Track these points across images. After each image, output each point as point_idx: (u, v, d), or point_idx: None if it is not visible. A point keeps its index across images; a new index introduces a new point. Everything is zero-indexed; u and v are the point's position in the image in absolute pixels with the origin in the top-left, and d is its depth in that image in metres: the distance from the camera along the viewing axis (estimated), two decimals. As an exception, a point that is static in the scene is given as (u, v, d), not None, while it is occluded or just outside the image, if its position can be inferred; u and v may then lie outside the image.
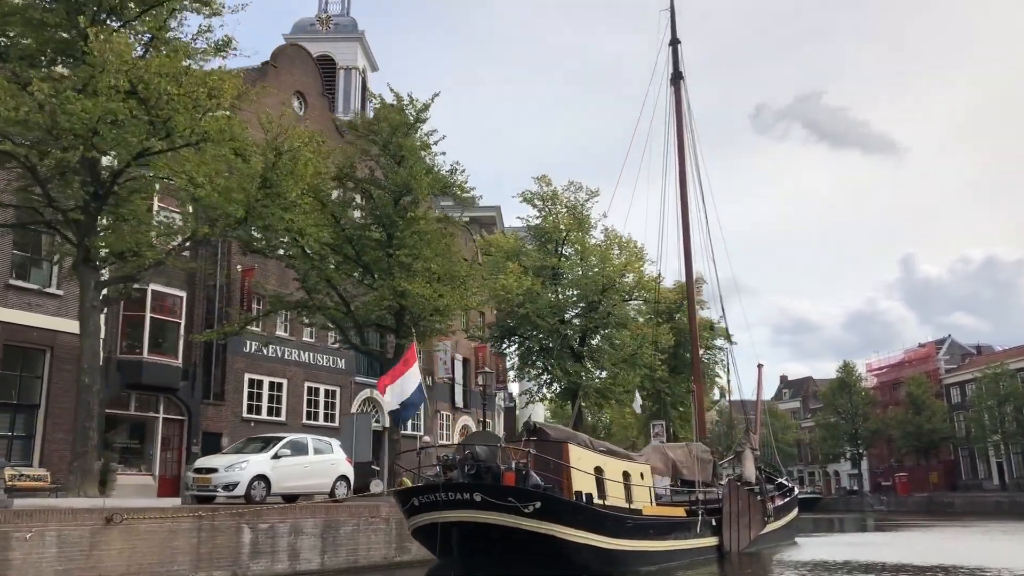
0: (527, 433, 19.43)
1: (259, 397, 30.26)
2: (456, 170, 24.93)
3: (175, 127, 15.40)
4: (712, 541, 22.84)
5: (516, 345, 34.03)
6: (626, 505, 19.20)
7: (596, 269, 31.64)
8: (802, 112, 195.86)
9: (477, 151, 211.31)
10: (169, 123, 15.52)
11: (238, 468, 18.70)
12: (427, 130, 24.01)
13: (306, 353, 32.36)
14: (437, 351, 39.14)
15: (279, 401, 31.14)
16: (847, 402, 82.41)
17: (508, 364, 36.58)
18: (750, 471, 29.74)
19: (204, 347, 28.42)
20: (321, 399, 32.77)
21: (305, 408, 32.06)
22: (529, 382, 35.87)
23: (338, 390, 33.74)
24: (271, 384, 30.89)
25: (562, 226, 33.51)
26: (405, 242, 22.87)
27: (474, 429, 42.78)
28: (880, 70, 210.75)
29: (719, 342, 44.67)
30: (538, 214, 34.20)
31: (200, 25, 18.59)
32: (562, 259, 32.60)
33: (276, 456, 19.55)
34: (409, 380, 16.47)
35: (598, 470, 19.23)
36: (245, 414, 29.55)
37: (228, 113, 17.03)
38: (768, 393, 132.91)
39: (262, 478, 19.05)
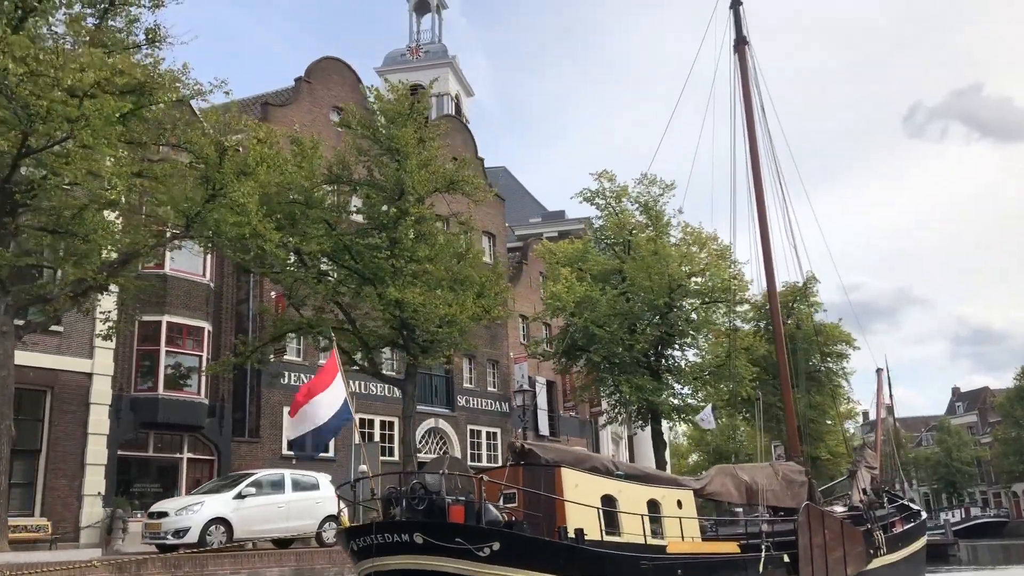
0: (513, 456, 16.09)
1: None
2: (466, 163, 22.04)
3: (46, 115, 13.21)
4: (786, 582, 18.55)
5: (584, 361, 30.43)
6: (646, 542, 15.40)
7: (662, 270, 27.73)
8: (960, 108, 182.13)
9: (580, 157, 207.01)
10: (45, 113, 13.36)
11: (190, 511, 16.28)
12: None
13: (356, 382, 29.96)
14: (515, 375, 36.13)
15: (327, 435, 28.81)
16: (1030, 412, 73.26)
17: (578, 383, 32.96)
18: (856, 494, 25.01)
19: (234, 381, 26.57)
20: (376, 432, 30.26)
21: (377, 443, 29.61)
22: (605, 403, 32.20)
23: (396, 421, 31.16)
24: (314, 417, 28.61)
25: (627, 225, 29.85)
26: (403, 246, 20.10)
27: (566, 458, 39.28)
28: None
29: (842, 348, 39.32)
30: (600, 214, 30.72)
31: (130, 14, 16.73)
32: (628, 262, 28.84)
33: (240, 496, 17.02)
34: (328, 398, 13.53)
35: (608, 500, 15.57)
36: (285, 451, 27.33)
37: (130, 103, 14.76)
38: (939, 407, 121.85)
39: (221, 521, 16.52)
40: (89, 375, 22.92)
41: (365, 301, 19.95)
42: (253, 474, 18.07)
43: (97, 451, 22.66)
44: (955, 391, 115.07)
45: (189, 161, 17.40)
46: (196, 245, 18.46)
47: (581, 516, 14.48)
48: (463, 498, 13.02)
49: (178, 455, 24.93)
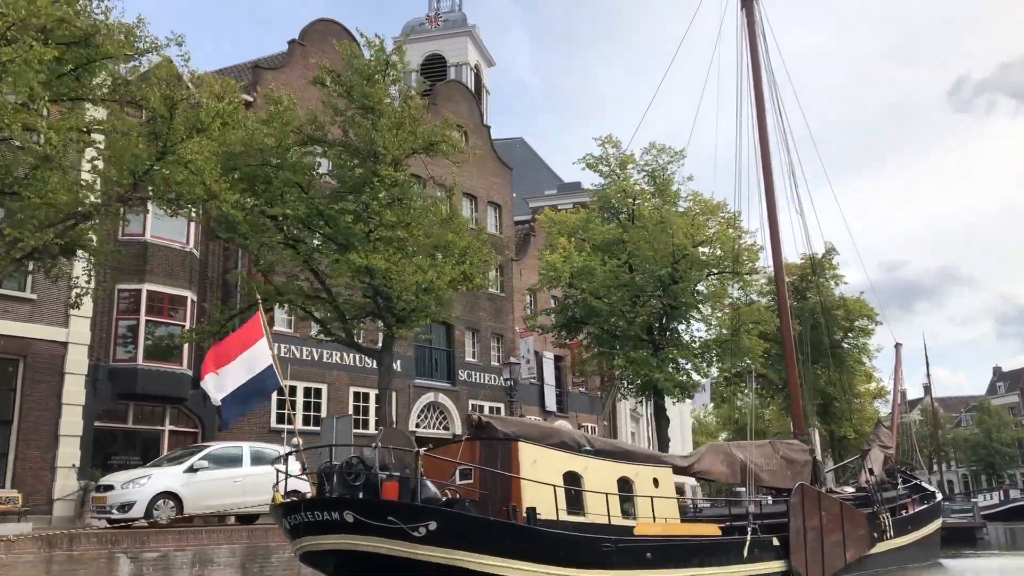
0: (469, 429, 15.09)
1: (293, 405, 27.28)
2: (449, 123, 20.96)
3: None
4: (775, 567, 17.35)
5: (585, 334, 29.23)
6: (614, 522, 14.31)
7: (666, 240, 26.36)
8: (1008, 81, 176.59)
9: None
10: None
11: (136, 485, 15.52)
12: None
13: (351, 356, 29.14)
14: (519, 348, 35.06)
15: (319, 409, 28.11)
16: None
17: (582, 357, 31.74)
18: (877, 473, 23.69)
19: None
20: (372, 405, 29.42)
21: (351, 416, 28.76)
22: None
23: (393, 395, 30.26)
24: (307, 391, 27.92)
25: (631, 193, 28.50)
26: (372, 210, 19.08)
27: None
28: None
29: (864, 323, 37.61)
30: (603, 182, 29.39)
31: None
32: (631, 231, 27.49)
33: (192, 469, 16.22)
34: (250, 362, 12.56)
35: (572, 477, 14.52)
36: (275, 424, 26.64)
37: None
38: (979, 387, 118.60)
39: (171, 495, 15.73)
40: (64, 344, 22.32)
41: (336, 268, 18.96)
42: (208, 447, 17.26)
43: (72, 422, 22.07)
44: (996, 371, 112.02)
45: (140, 119, 16.53)
46: (161, 209, 17.53)
47: (537, 494, 13.45)
48: (397, 474, 12.05)
49: (159, 427, 24.32)
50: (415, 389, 31.02)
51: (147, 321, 23.84)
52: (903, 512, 22.57)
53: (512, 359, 30.60)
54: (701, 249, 27.30)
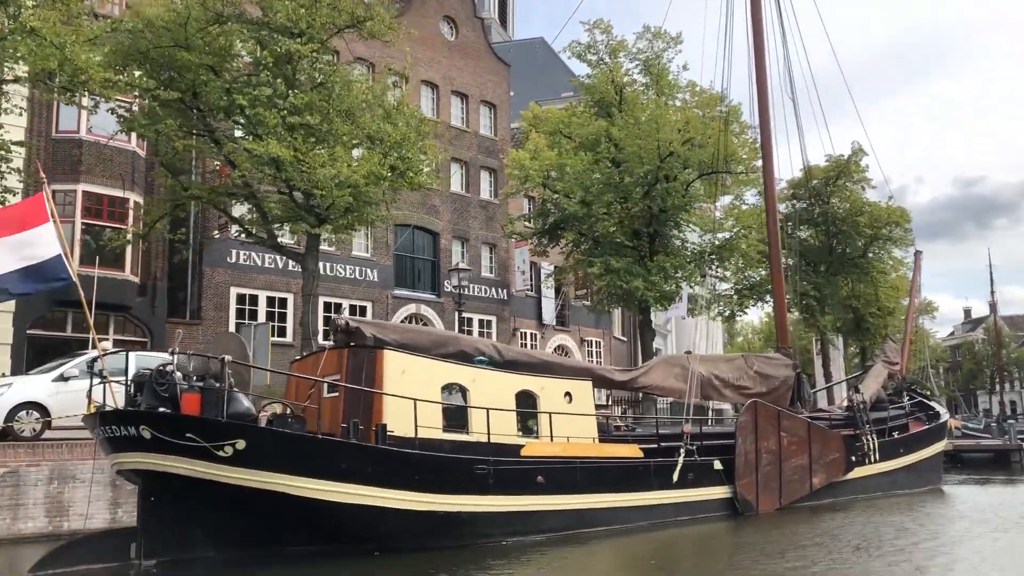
0: (335, 335, 13.29)
1: (254, 316, 25.91)
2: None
3: None
4: (717, 493, 15.40)
5: (567, 243, 26.96)
6: (500, 442, 12.45)
7: (652, 133, 23.78)
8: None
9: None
10: None
11: (-8, 395, 14.14)
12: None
13: (321, 263, 27.38)
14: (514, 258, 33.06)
15: (285, 319, 26.67)
16: None
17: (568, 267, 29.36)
18: (871, 391, 21.42)
19: (171, 259, 24.46)
20: (346, 316, 27.80)
21: (322, 328, 27.29)
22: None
23: (369, 306, 28.74)
24: (271, 300, 26.45)
25: (618, 82, 25.84)
26: (279, 93, 17.07)
27: (576, 352, 36.36)
28: None
29: (892, 231, 34.42)
30: (591, 72, 26.75)
31: None
32: (618, 124, 24.90)
33: (62, 378, 14.80)
34: (23, 247, 10.74)
35: (452, 389, 12.68)
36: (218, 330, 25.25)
37: None
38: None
39: (35, 406, 14.37)
40: (-11, 247, 21.05)
41: (237, 158, 17.09)
42: (84, 354, 15.82)
43: (1, 329, 20.97)
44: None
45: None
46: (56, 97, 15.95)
47: (402, 409, 11.65)
48: (200, 384, 10.34)
49: (103, 336, 23.08)
50: (394, 300, 29.33)
51: (84, 224, 22.43)
52: (893, 435, 20.30)
53: (522, 270, 28.22)
54: (693, 143, 24.57)
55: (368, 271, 28.82)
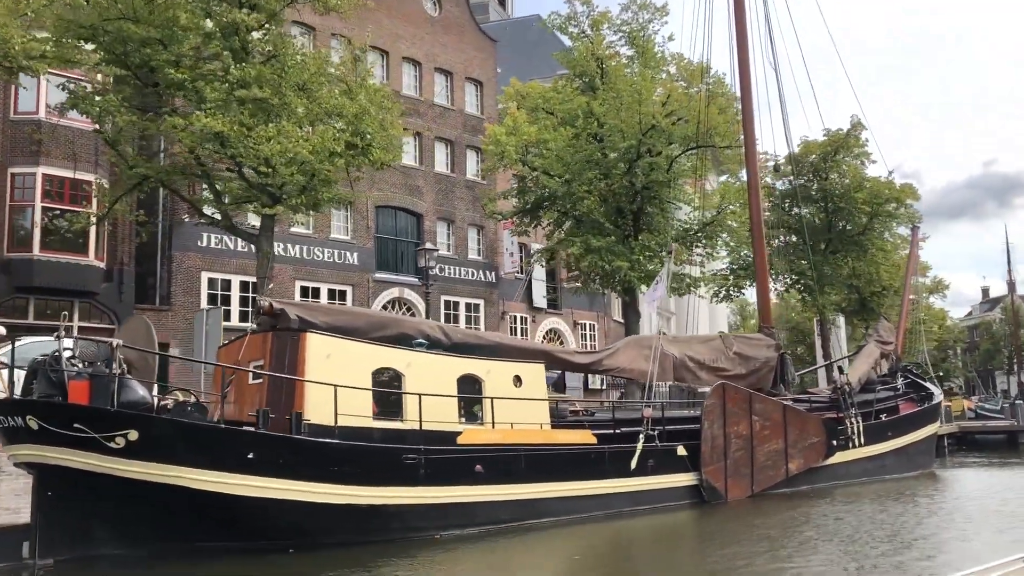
0: (258, 318, 12.54)
1: (227, 301, 25.24)
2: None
3: None
4: (681, 480, 14.57)
5: (548, 222, 26.09)
6: (436, 429, 11.66)
7: (633, 106, 22.84)
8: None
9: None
10: None
11: None
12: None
13: (298, 247, 26.82)
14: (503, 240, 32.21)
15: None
16: None
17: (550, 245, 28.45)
18: (860, 372, 20.55)
19: (140, 243, 23.77)
20: (323, 301, 27.14)
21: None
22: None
23: (349, 290, 28.01)
24: (245, 284, 25.74)
25: (600, 55, 24.90)
26: (222, 65, 16.32)
27: (569, 336, 35.51)
28: None
29: (894, 208, 33.23)
30: (572, 45, 25.83)
31: None
32: (600, 97, 23.95)
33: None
34: None
35: (384, 375, 11.90)
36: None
37: None
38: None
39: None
40: (-54, 232, 20.55)
41: (176, 134, 16.34)
42: (20, 340, 15.11)
43: (-40, 318, 20.40)
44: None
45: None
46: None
47: (324, 396, 10.89)
48: (89, 371, 9.62)
49: (67, 324, 22.50)
50: (375, 284, 28.59)
51: (44, 208, 21.83)
52: (883, 417, 19.37)
53: (511, 252, 27.35)
54: (676, 119, 23.64)
55: (348, 254, 28.09)
